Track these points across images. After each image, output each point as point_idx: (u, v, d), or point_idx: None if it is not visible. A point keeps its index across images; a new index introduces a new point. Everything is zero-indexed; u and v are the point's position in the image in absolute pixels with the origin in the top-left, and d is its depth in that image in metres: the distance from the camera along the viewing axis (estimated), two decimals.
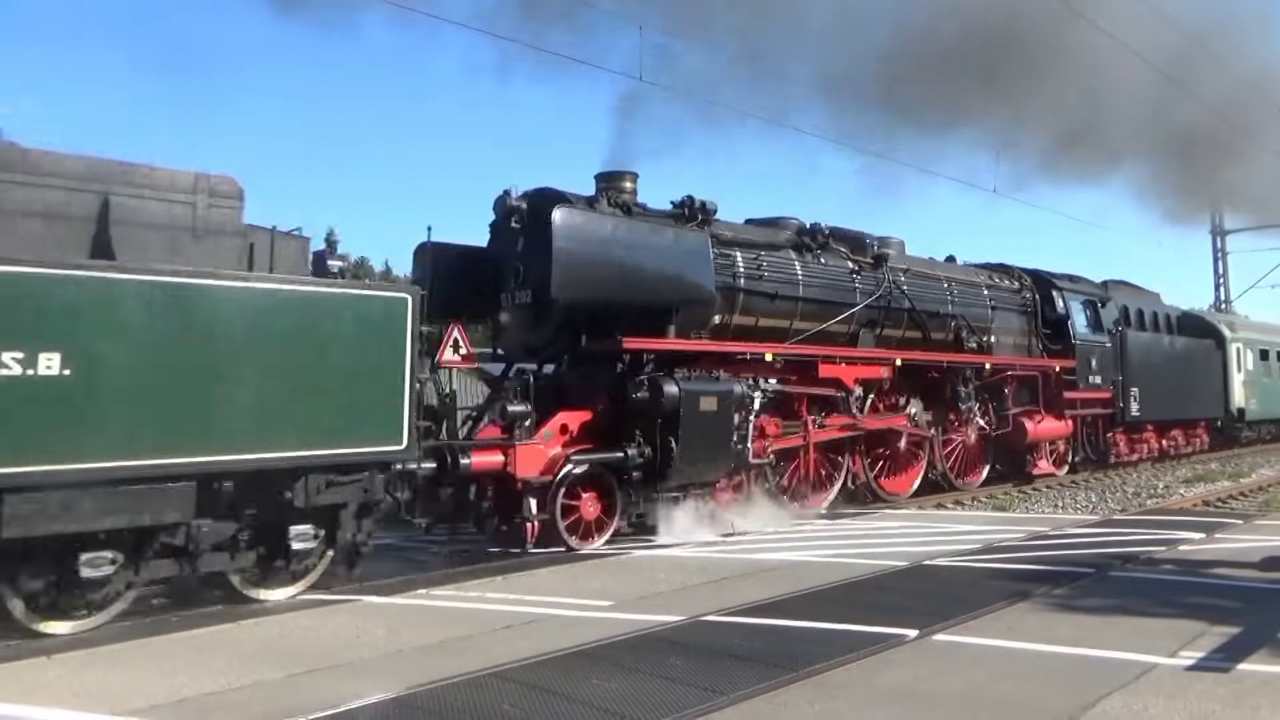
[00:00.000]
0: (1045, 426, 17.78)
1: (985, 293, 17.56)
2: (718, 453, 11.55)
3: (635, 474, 10.97)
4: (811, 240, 14.21)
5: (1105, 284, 21.49)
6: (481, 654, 6.15)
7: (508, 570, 9.34)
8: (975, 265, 18.60)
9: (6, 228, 6.70)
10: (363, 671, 5.85)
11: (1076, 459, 19.40)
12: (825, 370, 13.70)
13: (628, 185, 12.30)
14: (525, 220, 11.20)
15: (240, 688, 5.51)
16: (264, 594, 7.93)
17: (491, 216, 11.77)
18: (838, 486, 14.01)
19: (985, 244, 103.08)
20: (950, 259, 18.15)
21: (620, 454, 10.84)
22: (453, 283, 11.00)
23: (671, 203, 12.53)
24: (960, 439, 16.33)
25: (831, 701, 5.19)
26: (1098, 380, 19.32)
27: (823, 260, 14.25)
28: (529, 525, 10.24)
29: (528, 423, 10.29)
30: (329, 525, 8.05)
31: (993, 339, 17.06)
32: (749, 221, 14.27)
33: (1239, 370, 26.32)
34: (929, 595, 7.84)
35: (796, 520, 12.67)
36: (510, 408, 10.30)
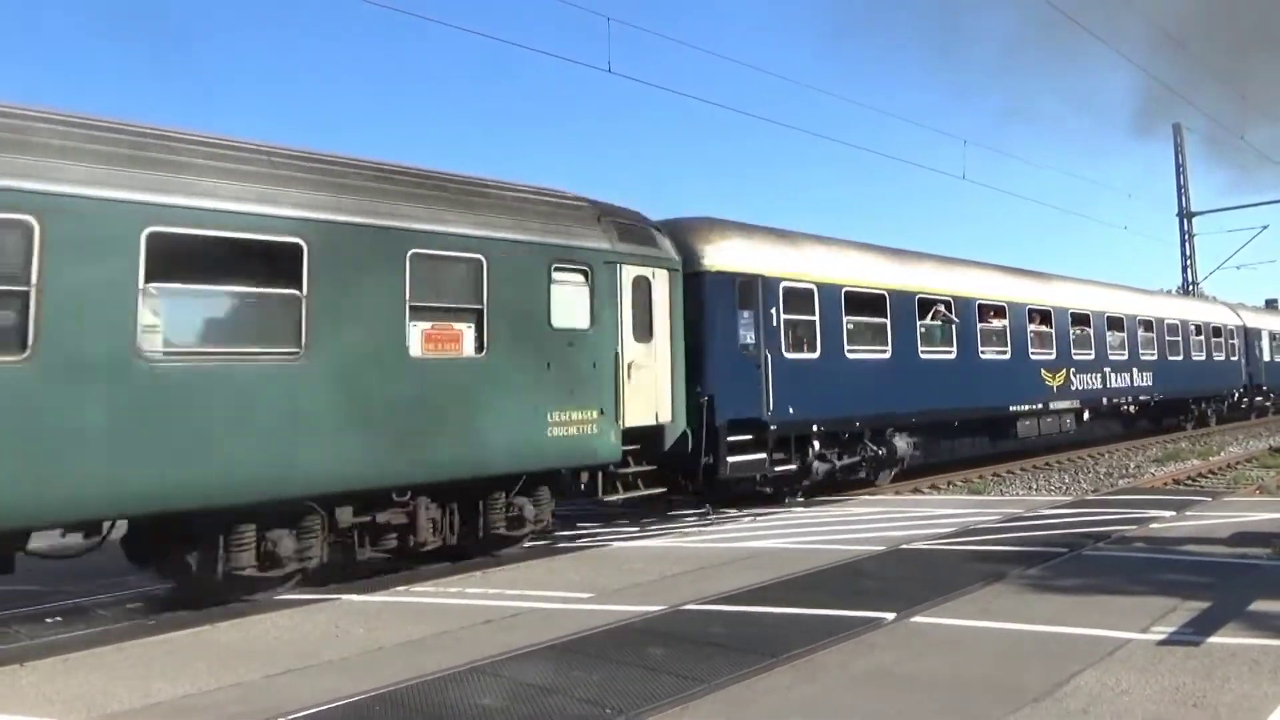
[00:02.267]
0: None
1: None
2: None
3: None
4: None
5: None
6: (462, 649, 6.14)
7: (487, 565, 9.33)
8: None
9: None
10: (343, 669, 5.82)
11: None
12: None
13: None
14: None
15: (217, 689, 5.47)
16: None
17: None
18: None
19: (954, 231, 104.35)
20: None
21: None
22: None
23: None
24: None
25: (811, 685, 5.23)
26: None
27: None
28: None
29: None
30: None
31: None
32: None
33: None
34: (906, 579, 7.92)
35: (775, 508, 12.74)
36: None
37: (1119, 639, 5.88)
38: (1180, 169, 43.42)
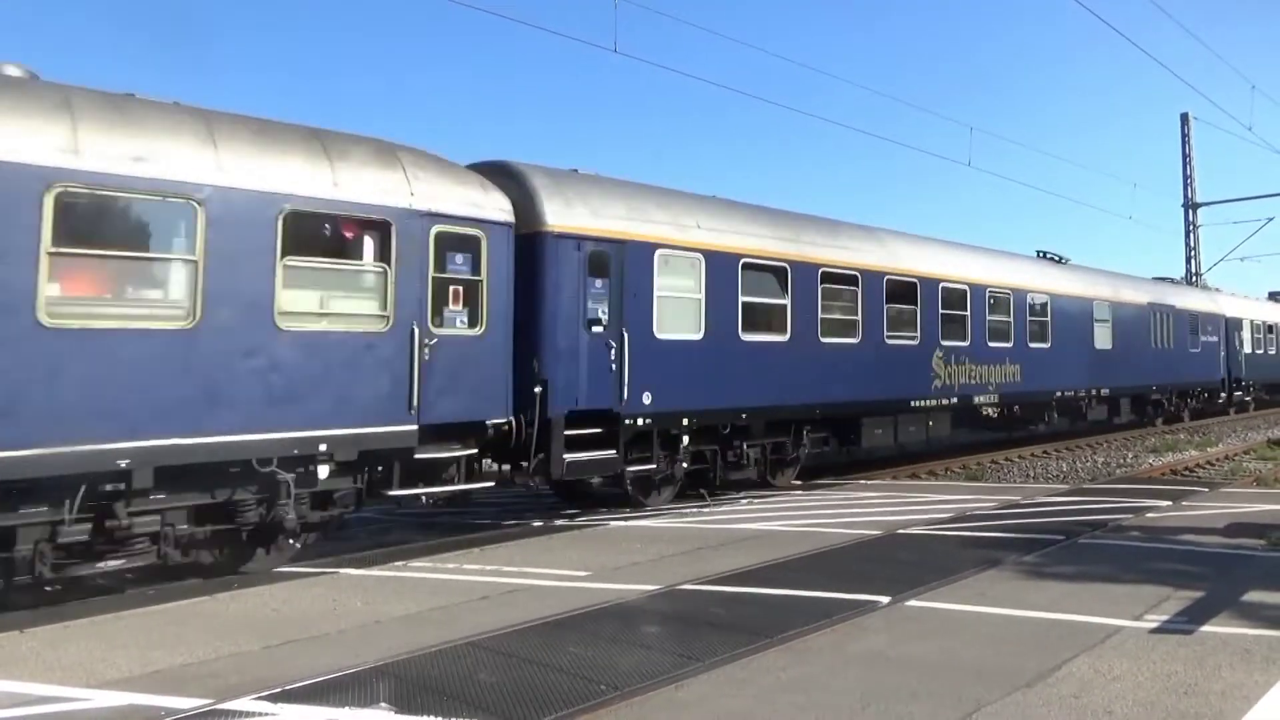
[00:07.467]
0: None
1: None
2: None
3: None
4: None
5: None
6: (459, 624, 6.17)
7: (485, 542, 9.37)
8: None
9: None
10: (340, 642, 5.86)
11: None
12: None
13: None
14: None
15: (215, 659, 5.51)
16: None
17: None
18: None
19: (957, 219, 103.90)
20: None
21: None
22: None
23: None
24: None
25: (804, 666, 5.27)
26: None
27: None
28: None
29: None
30: None
31: None
32: None
33: None
34: (902, 563, 7.95)
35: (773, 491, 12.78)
36: None
37: (1112, 626, 5.91)
38: (1187, 159, 43.21)
